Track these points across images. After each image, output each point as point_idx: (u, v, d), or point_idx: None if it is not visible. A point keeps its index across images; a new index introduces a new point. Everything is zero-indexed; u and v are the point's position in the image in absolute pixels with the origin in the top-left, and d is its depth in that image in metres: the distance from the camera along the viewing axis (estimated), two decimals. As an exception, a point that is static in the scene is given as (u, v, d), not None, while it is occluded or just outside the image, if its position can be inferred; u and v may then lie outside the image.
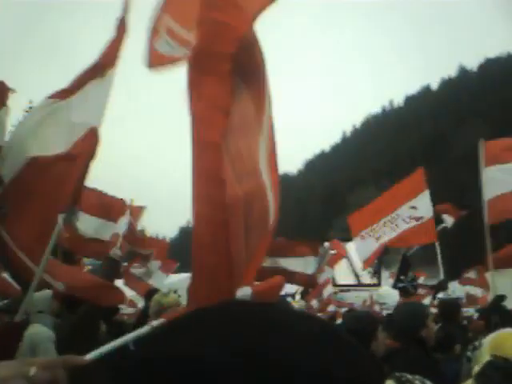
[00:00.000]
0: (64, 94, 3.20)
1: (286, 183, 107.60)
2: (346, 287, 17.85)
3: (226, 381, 0.42)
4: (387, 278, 17.70)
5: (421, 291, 8.92)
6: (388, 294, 5.85)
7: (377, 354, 2.66)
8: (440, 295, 5.62)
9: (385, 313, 5.43)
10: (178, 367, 0.44)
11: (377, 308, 6.58)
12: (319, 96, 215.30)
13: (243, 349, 0.44)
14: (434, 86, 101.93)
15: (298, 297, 11.85)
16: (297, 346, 0.46)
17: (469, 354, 4.03)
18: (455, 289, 7.53)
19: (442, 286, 5.86)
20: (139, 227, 6.40)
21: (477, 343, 4.01)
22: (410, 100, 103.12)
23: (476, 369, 1.26)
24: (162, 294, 3.92)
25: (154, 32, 1.83)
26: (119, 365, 0.49)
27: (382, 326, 2.92)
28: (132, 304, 8.50)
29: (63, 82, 3.25)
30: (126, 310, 7.79)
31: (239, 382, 0.43)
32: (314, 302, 9.76)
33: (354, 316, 3.40)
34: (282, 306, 0.55)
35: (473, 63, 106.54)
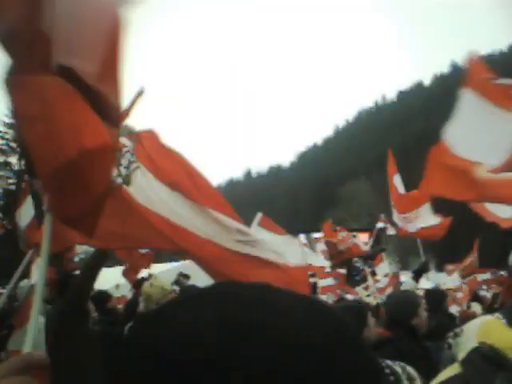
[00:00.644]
0: None
1: (278, 175, 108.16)
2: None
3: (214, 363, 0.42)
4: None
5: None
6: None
7: (369, 340, 2.68)
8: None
9: (375, 302, 5.51)
10: (167, 353, 0.43)
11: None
12: (312, 88, 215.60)
13: (227, 324, 0.43)
14: (427, 81, 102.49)
15: None
16: (294, 322, 0.44)
17: (450, 340, 4.10)
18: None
19: (424, 268, 5.74)
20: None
21: (458, 330, 4.08)
22: (402, 95, 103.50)
23: (461, 355, 1.25)
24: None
25: None
26: (114, 355, 0.48)
27: (370, 313, 2.94)
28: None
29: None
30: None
31: (233, 370, 0.42)
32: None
33: (344, 306, 3.43)
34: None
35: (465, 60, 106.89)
